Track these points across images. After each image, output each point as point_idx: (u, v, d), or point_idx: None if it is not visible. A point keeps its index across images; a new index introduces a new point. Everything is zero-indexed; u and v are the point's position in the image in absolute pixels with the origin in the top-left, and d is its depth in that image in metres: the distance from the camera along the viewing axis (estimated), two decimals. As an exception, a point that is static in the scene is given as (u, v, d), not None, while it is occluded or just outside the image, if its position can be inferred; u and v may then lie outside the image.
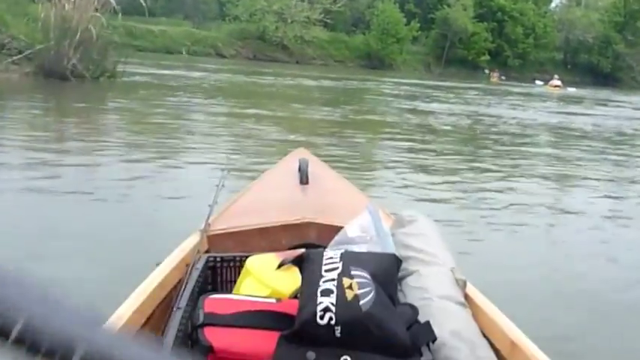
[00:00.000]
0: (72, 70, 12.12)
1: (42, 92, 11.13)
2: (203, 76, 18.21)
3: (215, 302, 1.37)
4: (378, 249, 1.68)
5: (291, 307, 1.34)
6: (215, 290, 1.69)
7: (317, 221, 2.00)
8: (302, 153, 2.76)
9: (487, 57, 45.28)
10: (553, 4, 53.34)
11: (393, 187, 5.64)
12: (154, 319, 1.50)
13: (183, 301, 1.40)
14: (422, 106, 14.93)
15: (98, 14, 12.60)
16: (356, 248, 1.67)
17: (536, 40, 47.76)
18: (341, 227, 1.81)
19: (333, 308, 1.23)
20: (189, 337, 1.33)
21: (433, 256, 1.68)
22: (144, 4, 15.80)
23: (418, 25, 40.68)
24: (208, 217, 1.98)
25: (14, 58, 12.21)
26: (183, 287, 1.48)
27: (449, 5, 43.46)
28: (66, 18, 11.95)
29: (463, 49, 44.16)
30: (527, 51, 47.09)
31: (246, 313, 1.35)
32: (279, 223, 1.99)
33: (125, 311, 1.38)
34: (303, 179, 2.34)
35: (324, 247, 1.69)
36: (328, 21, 36.61)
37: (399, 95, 18.06)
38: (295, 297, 1.45)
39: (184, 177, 5.36)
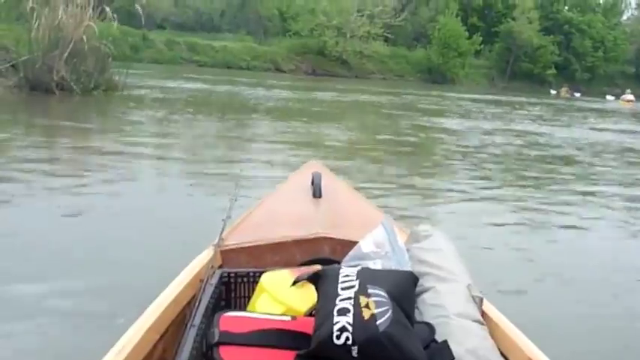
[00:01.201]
0: (60, 83, 10.67)
1: (15, 107, 9.86)
2: (224, 90, 16.89)
3: (230, 320, 1.30)
4: (393, 264, 1.57)
5: (307, 326, 1.27)
6: (229, 306, 1.63)
7: (330, 236, 1.88)
8: (315, 166, 2.62)
9: (553, 71, 41.54)
10: (624, 17, 47.30)
11: (455, 219, 4.51)
12: (169, 336, 1.42)
13: (197, 318, 1.32)
14: (484, 124, 13.04)
15: (91, 23, 11.18)
16: (371, 264, 1.57)
17: (606, 54, 43.65)
18: (355, 242, 1.70)
19: (350, 328, 1.16)
20: (204, 356, 1.26)
21: (449, 273, 1.55)
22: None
23: (481, 38, 37.25)
24: (222, 232, 1.86)
25: (-2, 68, 10.49)
26: (197, 303, 1.40)
27: (514, 18, 39.15)
28: (59, 27, 10.62)
29: (528, 62, 40.71)
30: (596, 65, 42.85)
31: (262, 332, 1.28)
32: (293, 238, 1.87)
33: (140, 328, 1.30)
34: (316, 193, 2.20)
35: (338, 263, 1.63)
36: (389, 35, 33.75)
37: (459, 111, 16.19)
38: (311, 314, 1.38)
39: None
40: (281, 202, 2.27)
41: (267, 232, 1.93)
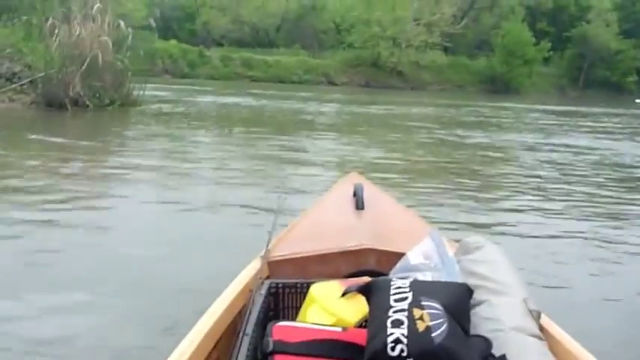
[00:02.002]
0: (74, 99, 10.89)
1: (23, 123, 9.91)
2: (253, 105, 16.29)
3: (283, 330, 1.34)
4: (443, 276, 1.55)
5: (359, 337, 1.30)
6: (277, 316, 1.68)
7: (375, 247, 1.91)
8: (356, 177, 2.63)
9: (634, 77, 37.59)
10: None
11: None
12: (222, 343, 1.50)
13: (249, 327, 1.39)
14: (555, 139, 11.49)
15: (106, 38, 11.42)
16: (420, 276, 1.55)
17: None
18: (400, 253, 1.71)
19: (404, 340, 1.17)
20: None
21: (503, 285, 1.50)
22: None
23: (549, 44, 34.79)
24: (268, 244, 1.94)
25: (14, 85, 11.13)
26: (248, 313, 1.47)
27: (588, 21, 36.06)
28: (75, 44, 10.94)
29: (605, 69, 38.24)
30: None
31: (315, 342, 1.31)
32: (338, 250, 1.92)
33: (196, 335, 1.39)
34: (359, 205, 2.23)
35: (384, 274, 1.65)
36: (447, 44, 31.94)
37: (525, 126, 14.78)
38: (361, 326, 1.41)
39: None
40: (324, 214, 2.31)
41: (312, 243, 1.97)
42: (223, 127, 11.20)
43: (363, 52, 33.77)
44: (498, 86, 34.77)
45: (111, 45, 11.37)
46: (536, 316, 1.44)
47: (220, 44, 35.86)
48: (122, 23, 12.03)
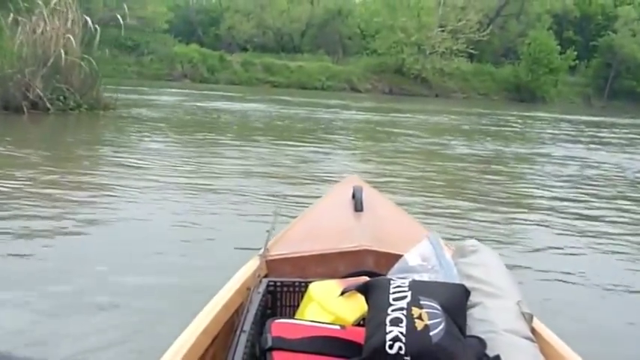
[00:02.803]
0: (34, 102, 10.01)
1: None
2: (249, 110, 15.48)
3: (282, 326, 1.36)
4: (440, 278, 1.58)
5: (357, 335, 1.32)
6: (275, 314, 1.70)
7: (374, 249, 1.92)
8: (355, 180, 2.65)
9: None
10: None
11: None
12: (220, 340, 1.51)
13: (247, 324, 1.41)
14: (582, 153, 10.76)
15: (71, 37, 10.36)
16: (417, 277, 1.57)
17: None
18: (398, 255, 1.74)
19: (403, 338, 1.19)
20: None
21: (497, 288, 1.53)
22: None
23: (575, 53, 33.97)
24: (267, 243, 1.97)
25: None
26: (245, 310, 1.49)
27: (614, 31, 35.11)
28: (38, 41, 10.01)
29: (632, 79, 37.17)
30: None
31: (313, 339, 1.32)
32: (336, 250, 1.93)
33: (193, 332, 1.39)
34: (358, 206, 2.25)
35: (383, 275, 1.64)
36: (472, 51, 31.37)
37: (551, 136, 14.12)
38: (359, 324, 1.44)
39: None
40: (323, 215, 2.32)
41: (310, 243, 1.99)
42: (199, 133, 10.08)
43: (387, 58, 33.39)
44: (523, 95, 34.24)
45: (74, 43, 10.37)
46: (529, 318, 1.47)
47: (245, 49, 35.72)
48: (89, 20, 10.93)
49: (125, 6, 15.80)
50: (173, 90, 21.18)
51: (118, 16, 12.59)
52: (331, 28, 37.91)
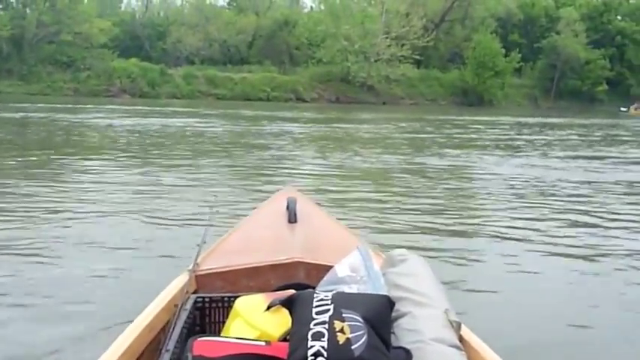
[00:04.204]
0: None
1: None
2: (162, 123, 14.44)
3: (204, 345, 1.30)
4: (368, 289, 1.55)
5: (281, 351, 1.28)
6: (203, 331, 1.64)
7: (305, 261, 1.89)
8: (290, 191, 2.63)
9: (605, 87, 36.73)
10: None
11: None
12: None
13: (171, 344, 1.35)
14: (534, 160, 9.78)
15: None
16: (346, 288, 1.55)
17: None
18: (330, 266, 1.69)
19: (324, 352, 1.17)
20: None
21: (426, 297, 1.51)
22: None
23: (519, 55, 33.95)
24: (197, 257, 1.91)
25: None
26: (171, 329, 1.43)
27: (558, 32, 35.27)
28: None
29: (576, 79, 37.11)
30: None
31: (236, 357, 1.28)
32: (268, 263, 1.89)
33: (114, 352, 1.34)
34: (292, 218, 2.22)
35: (314, 287, 1.62)
36: (418, 57, 30.98)
37: (497, 141, 13.53)
38: (285, 339, 1.39)
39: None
40: (256, 227, 2.29)
41: (242, 257, 1.95)
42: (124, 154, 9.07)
43: (333, 67, 33.39)
44: (471, 98, 34.79)
45: None
46: (457, 327, 1.46)
47: (192, 62, 34.64)
48: None
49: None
50: (102, 107, 19.88)
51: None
52: (278, 39, 37.75)
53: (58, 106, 19.21)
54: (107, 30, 32.66)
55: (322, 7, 37.80)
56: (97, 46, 30.90)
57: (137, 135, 11.90)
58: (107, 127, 13.27)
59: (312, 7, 44.84)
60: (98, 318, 2.73)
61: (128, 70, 29.42)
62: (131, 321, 1.50)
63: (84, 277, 3.38)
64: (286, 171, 7.80)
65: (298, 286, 1.66)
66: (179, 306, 1.54)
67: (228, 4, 43.24)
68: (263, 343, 1.33)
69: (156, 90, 29.12)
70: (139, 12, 42.77)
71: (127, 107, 20.69)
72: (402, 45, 32.85)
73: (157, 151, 9.45)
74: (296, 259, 1.88)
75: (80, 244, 4.02)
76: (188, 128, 13.69)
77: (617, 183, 7.55)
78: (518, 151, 11.18)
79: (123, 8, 45.61)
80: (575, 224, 5.22)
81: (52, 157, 8.34)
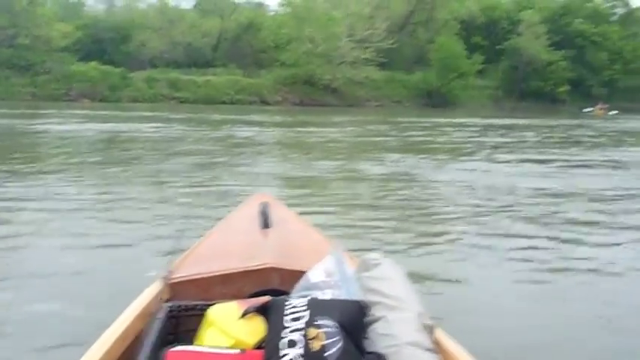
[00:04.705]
0: None
1: None
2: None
3: (178, 355, 1.28)
4: (342, 294, 1.56)
5: (257, 359, 1.28)
6: (177, 340, 1.56)
7: (279, 266, 1.88)
8: (263, 197, 2.62)
9: (567, 87, 37.38)
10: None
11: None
12: None
13: (143, 355, 1.33)
14: (500, 167, 9.36)
15: None
16: (320, 294, 1.55)
17: (625, 66, 38.39)
18: (304, 272, 1.69)
19: None
20: None
21: (400, 301, 1.51)
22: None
23: (482, 57, 34.61)
24: (170, 265, 1.89)
25: None
26: (144, 339, 1.42)
27: (519, 34, 35.81)
28: None
29: (538, 80, 37.79)
30: (614, 78, 38.55)
31: None
32: (241, 270, 1.87)
33: None
34: (265, 223, 2.22)
35: (288, 293, 1.62)
36: (383, 59, 30.87)
37: (461, 143, 13.36)
38: (260, 347, 1.38)
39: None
40: (229, 234, 2.28)
41: (215, 263, 1.93)
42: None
43: (297, 69, 33.22)
44: (435, 100, 35.07)
45: None
46: (430, 330, 1.47)
47: (155, 65, 34.10)
48: None
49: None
50: (55, 111, 19.29)
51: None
52: (243, 42, 37.56)
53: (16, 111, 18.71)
54: (69, 33, 32.03)
55: (287, 10, 37.74)
56: (56, 49, 30.25)
57: (97, 141, 11.58)
58: (63, 132, 12.83)
59: (276, 11, 44.86)
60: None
61: (88, 74, 28.81)
62: (103, 331, 1.47)
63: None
64: (250, 176, 7.49)
65: (273, 292, 1.66)
66: (152, 315, 1.53)
67: (194, 7, 42.90)
68: (238, 351, 1.32)
69: (116, 94, 28.55)
70: (102, 15, 42.13)
71: (86, 112, 20.12)
72: (366, 47, 32.98)
73: (117, 158, 9.09)
74: (270, 265, 1.87)
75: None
76: (145, 133, 13.17)
77: (586, 189, 7.28)
78: (473, 155, 10.89)
79: (86, 12, 44.88)
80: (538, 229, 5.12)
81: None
